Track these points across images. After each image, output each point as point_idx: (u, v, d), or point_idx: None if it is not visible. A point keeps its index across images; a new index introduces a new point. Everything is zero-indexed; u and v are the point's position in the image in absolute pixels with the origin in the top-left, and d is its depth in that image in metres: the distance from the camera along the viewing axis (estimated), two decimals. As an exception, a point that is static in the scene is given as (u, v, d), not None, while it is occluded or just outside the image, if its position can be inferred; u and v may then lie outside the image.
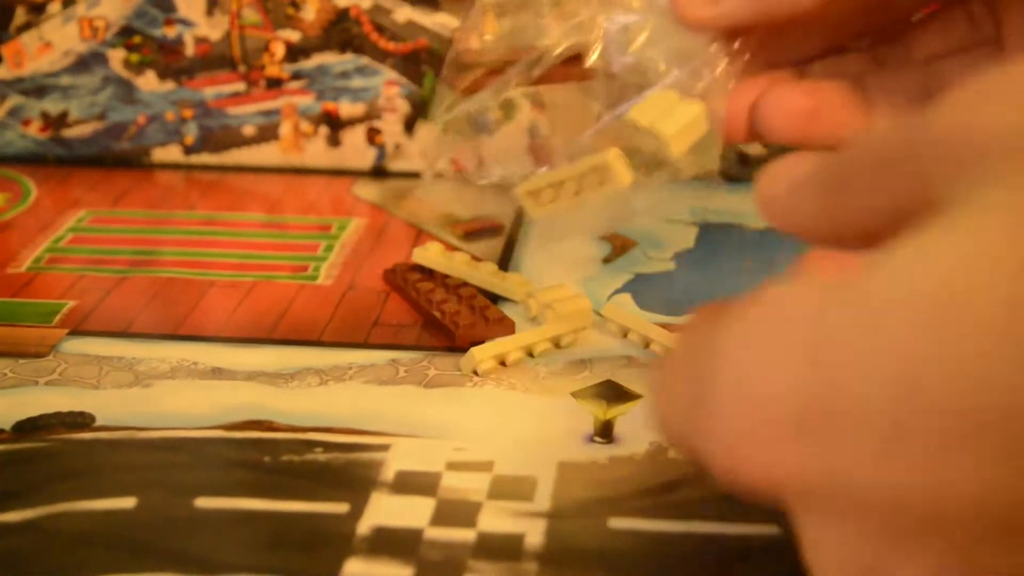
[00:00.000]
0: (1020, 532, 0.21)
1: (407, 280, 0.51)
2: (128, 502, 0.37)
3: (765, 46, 0.38)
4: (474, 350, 0.44)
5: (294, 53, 0.64)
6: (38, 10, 0.64)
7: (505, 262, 0.54)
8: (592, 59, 0.40)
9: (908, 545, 0.23)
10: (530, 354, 0.46)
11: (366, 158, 0.65)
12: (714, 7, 0.35)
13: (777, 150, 0.61)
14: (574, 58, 0.41)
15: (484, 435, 0.41)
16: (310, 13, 0.63)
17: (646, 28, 0.39)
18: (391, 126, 0.64)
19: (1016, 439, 0.20)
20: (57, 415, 0.42)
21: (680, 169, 0.40)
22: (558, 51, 0.41)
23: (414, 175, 0.64)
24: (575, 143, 0.41)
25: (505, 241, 0.56)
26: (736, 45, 0.37)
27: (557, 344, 0.46)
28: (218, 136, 0.65)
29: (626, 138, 0.40)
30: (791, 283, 0.24)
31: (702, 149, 0.39)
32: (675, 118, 0.38)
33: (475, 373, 0.44)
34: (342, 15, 0.63)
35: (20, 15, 0.64)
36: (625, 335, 0.47)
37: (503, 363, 0.45)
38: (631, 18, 0.39)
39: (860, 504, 0.22)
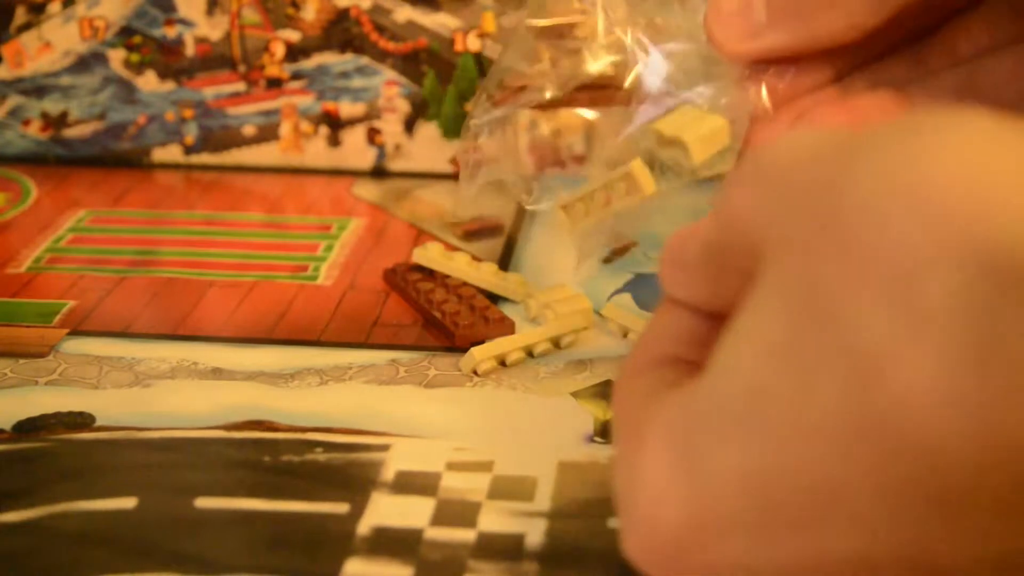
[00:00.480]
0: None
1: (407, 280, 0.51)
2: (128, 502, 0.37)
3: (804, 68, 0.37)
4: (474, 350, 0.44)
5: (294, 53, 0.64)
6: (38, 10, 0.64)
7: (505, 262, 0.54)
8: (629, 81, 0.40)
9: None
10: (530, 354, 0.46)
11: (366, 158, 0.65)
12: (754, 41, 0.35)
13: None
14: (604, 81, 0.41)
15: (484, 435, 0.41)
16: (310, 13, 0.63)
17: (684, 54, 0.39)
18: (391, 126, 0.64)
19: (841, 515, 0.23)
20: (57, 415, 0.42)
21: (698, 174, 0.40)
22: (595, 71, 0.41)
23: (414, 175, 0.64)
24: (602, 152, 0.42)
25: (505, 241, 0.56)
26: (771, 71, 0.37)
27: (557, 344, 0.46)
28: (218, 136, 0.65)
29: (648, 149, 0.40)
30: (670, 396, 0.27)
31: (720, 158, 0.40)
32: (698, 128, 0.39)
33: (475, 373, 0.44)
34: (342, 15, 0.63)
35: (20, 15, 0.64)
36: (625, 335, 0.47)
37: (503, 363, 0.45)
38: (671, 45, 0.39)
39: None
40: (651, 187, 0.41)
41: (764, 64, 0.36)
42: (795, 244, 0.24)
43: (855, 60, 0.38)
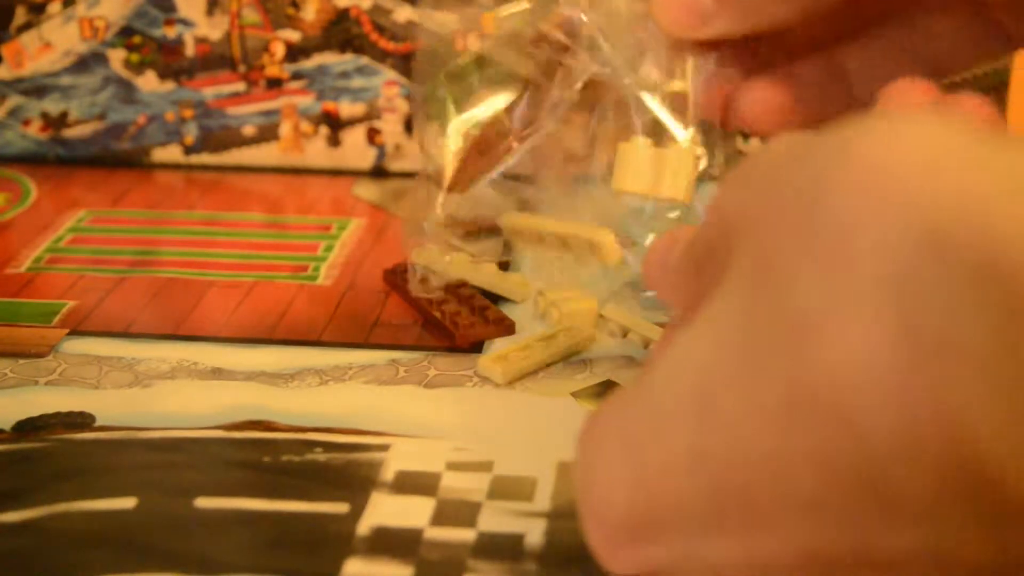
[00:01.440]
0: (836, 572, 0.24)
1: (407, 280, 0.51)
2: (128, 502, 0.37)
3: (751, 51, 0.38)
4: (496, 367, 0.44)
5: (294, 53, 0.64)
6: (38, 10, 0.64)
7: (505, 262, 0.54)
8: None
9: None
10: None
11: (366, 158, 0.65)
12: (704, 27, 0.36)
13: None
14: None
15: (484, 435, 0.41)
16: (310, 13, 0.63)
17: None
18: (391, 126, 0.64)
19: (785, 498, 0.23)
20: (57, 415, 0.42)
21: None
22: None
23: (414, 175, 0.64)
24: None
25: (505, 241, 0.56)
26: (717, 56, 0.37)
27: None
28: (218, 136, 0.65)
29: (620, 207, 0.41)
30: (612, 395, 0.27)
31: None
32: (669, 173, 0.39)
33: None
34: (342, 15, 0.63)
35: (20, 15, 0.64)
36: (625, 335, 0.47)
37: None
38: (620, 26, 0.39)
39: (706, 573, 0.25)
40: (618, 257, 0.41)
41: (713, 47, 0.37)
42: (757, 229, 0.24)
43: (802, 49, 0.39)
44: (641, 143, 0.40)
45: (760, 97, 0.38)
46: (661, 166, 0.39)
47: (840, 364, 0.21)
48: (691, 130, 0.39)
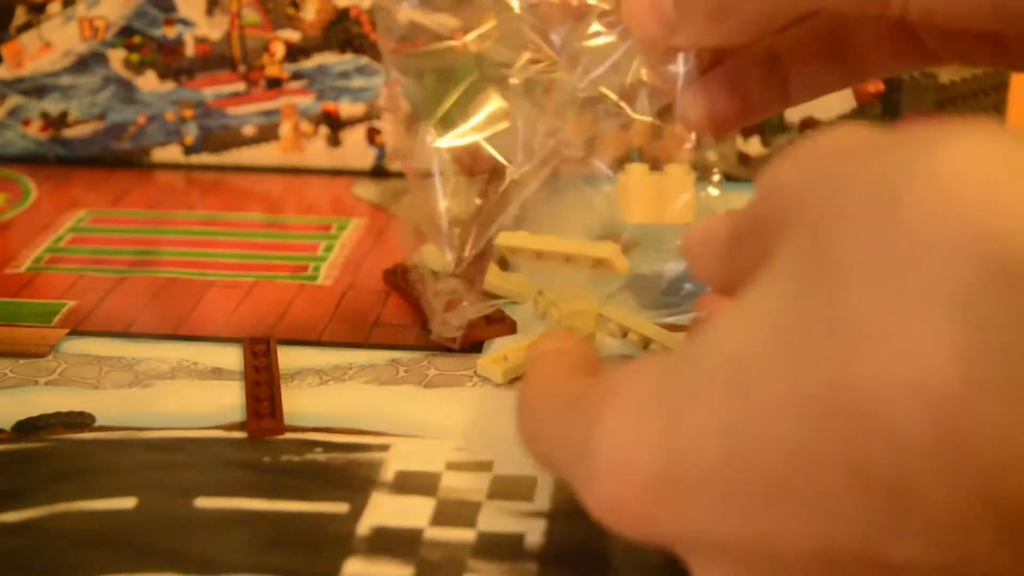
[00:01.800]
0: (844, 569, 0.24)
1: (407, 280, 0.51)
2: (128, 502, 0.37)
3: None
4: (496, 367, 0.44)
5: (294, 53, 0.64)
6: (38, 10, 0.64)
7: (505, 262, 0.54)
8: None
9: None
10: None
11: (366, 158, 0.65)
12: (671, 37, 0.36)
13: (778, 150, 0.61)
14: None
15: (484, 435, 0.41)
16: (310, 13, 0.63)
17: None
18: (391, 126, 0.64)
19: (807, 491, 0.23)
20: (57, 415, 0.42)
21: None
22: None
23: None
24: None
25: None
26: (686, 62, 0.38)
27: None
28: (218, 136, 0.65)
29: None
30: (645, 359, 0.28)
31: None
32: (671, 198, 0.39)
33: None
34: (342, 15, 0.63)
35: (20, 15, 0.64)
36: (625, 335, 0.47)
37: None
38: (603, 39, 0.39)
39: (716, 550, 0.26)
40: (626, 267, 0.42)
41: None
42: (816, 218, 0.24)
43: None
44: (638, 171, 0.41)
45: (706, 100, 0.38)
46: (663, 192, 0.39)
47: (891, 375, 0.22)
48: (685, 147, 0.40)
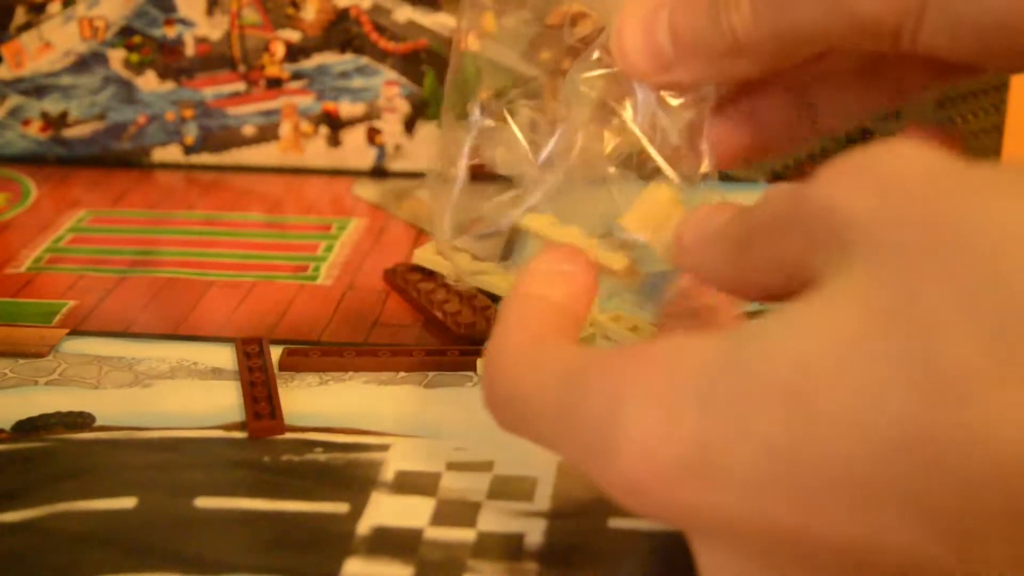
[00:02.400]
0: (865, 568, 0.25)
1: (407, 280, 0.51)
2: (128, 502, 0.37)
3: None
4: None
5: (294, 53, 0.64)
6: (38, 10, 0.64)
7: (505, 262, 0.54)
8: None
9: (791, 569, 0.26)
10: None
11: (366, 158, 0.65)
12: (665, 74, 0.35)
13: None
14: None
15: (484, 435, 0.41)
16: (310, 13, 0.63)
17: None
18: (391, 126, 0.64)
19: (857, 506, 0.24)
20: (57, 415, 0.42)
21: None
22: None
23: (414, 175, 0.64)
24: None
25: (505, 241, 0.56)
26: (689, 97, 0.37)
27: None
28: (218, 136, 0.65)
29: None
30: (687, 337, 0.27)
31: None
32: (675, 223, 0.39)
33: None
34: (342, 15, 0.63)
35: (20, 15, 0.64)
36: (624, 335, 0.47)
37: None
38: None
39: (736, 539, 0.26)
40: (637, 280, 0.41)
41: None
42: (899, 251, 0.24)
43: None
44: (666, 195, 0.40)
45: (720, 138, 0.37)
46: (671, 217, 0.39)
47: (989, 431, 0.22)
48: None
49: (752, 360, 0.25)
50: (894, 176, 0.26)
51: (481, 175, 0.42)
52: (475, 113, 0.43)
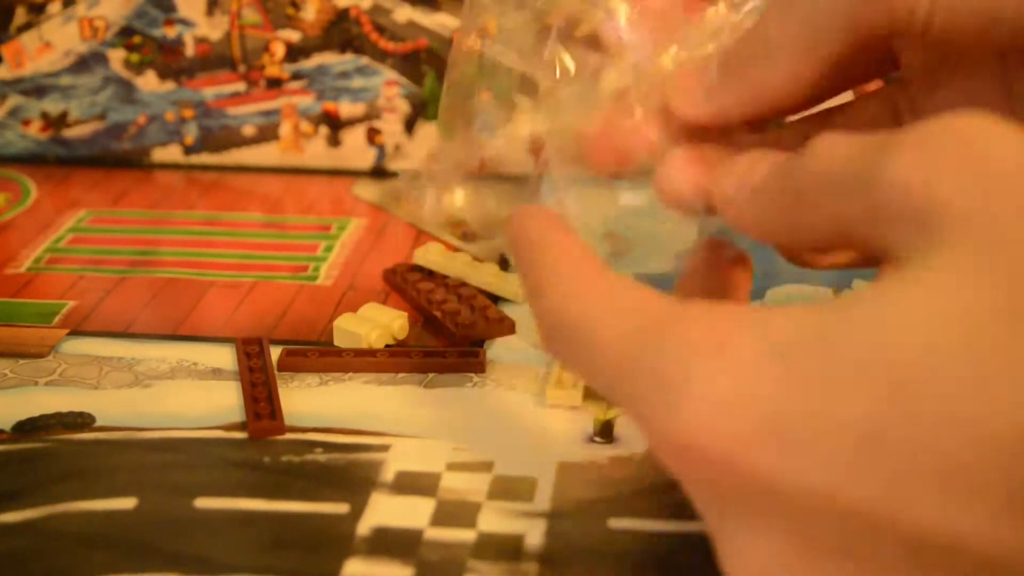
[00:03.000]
0: (934, 563, 0.24)
1: (407, 280, 0.51)
2: (128, 502, 0.37)
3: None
4: (563, 392, 0.43)
5: (294, 53, 0.64)
6: (38, 10, 0.64)
7: (505, 262, 0.54)
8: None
9: (831, 556, 0.25)
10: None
11: (366, 158, 0.65)
12: (707, 103, 0.35)
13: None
14: None
15: (484, 435, 0.41)
16: (310, 13, 0.63)
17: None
18: (391, 126, 0.64)
19: (946, 492, 0.23)
20: (57, 415, 0.42)
21: None
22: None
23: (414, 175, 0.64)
24: None
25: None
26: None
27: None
28: (218, 136, 0.65)
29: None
30: (761, 315, 0.26)
31: None
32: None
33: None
34: (342, 15, 0.63)
35: (20, 15, 0.64)
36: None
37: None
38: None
39: (806, 512, 0.25)
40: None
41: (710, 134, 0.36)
42: (1014, 249, 0.24)
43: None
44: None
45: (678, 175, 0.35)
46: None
47: None
48: None
49: (849, 341, 0.25)
50: (992, 163, 0.25)
51: (481, 175, 0.42)
52: (475, 113, 0.43)
